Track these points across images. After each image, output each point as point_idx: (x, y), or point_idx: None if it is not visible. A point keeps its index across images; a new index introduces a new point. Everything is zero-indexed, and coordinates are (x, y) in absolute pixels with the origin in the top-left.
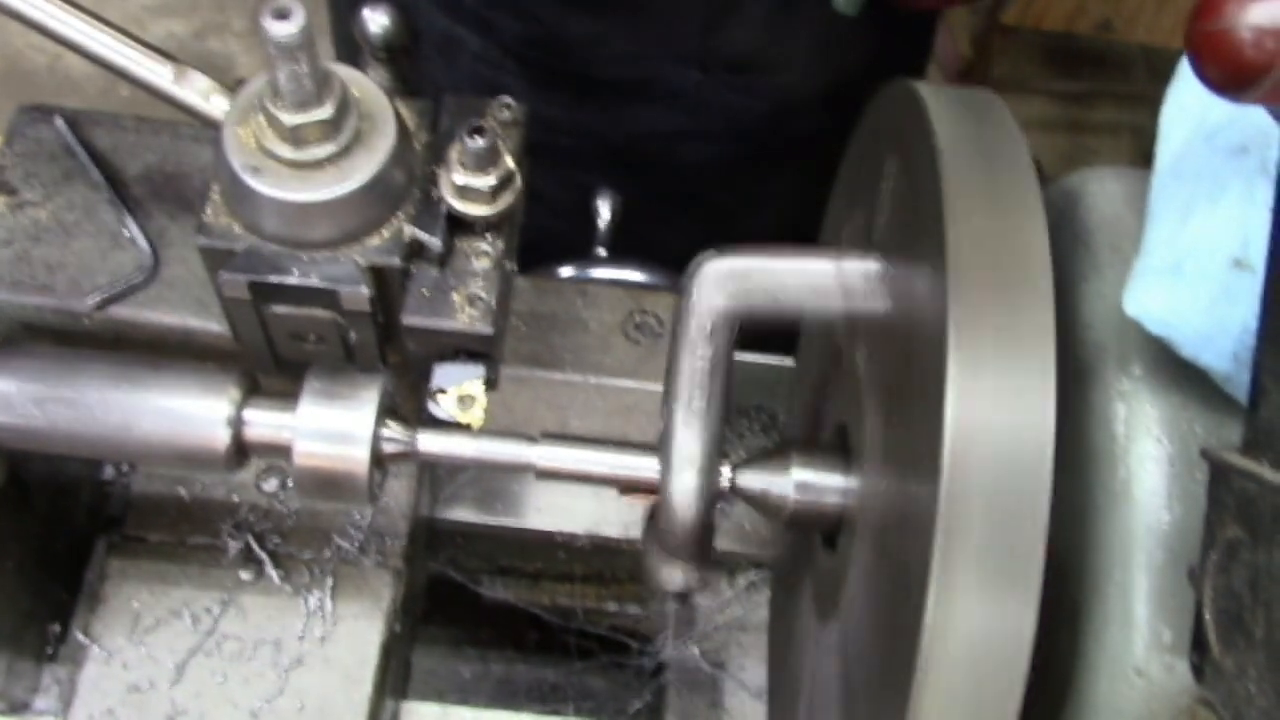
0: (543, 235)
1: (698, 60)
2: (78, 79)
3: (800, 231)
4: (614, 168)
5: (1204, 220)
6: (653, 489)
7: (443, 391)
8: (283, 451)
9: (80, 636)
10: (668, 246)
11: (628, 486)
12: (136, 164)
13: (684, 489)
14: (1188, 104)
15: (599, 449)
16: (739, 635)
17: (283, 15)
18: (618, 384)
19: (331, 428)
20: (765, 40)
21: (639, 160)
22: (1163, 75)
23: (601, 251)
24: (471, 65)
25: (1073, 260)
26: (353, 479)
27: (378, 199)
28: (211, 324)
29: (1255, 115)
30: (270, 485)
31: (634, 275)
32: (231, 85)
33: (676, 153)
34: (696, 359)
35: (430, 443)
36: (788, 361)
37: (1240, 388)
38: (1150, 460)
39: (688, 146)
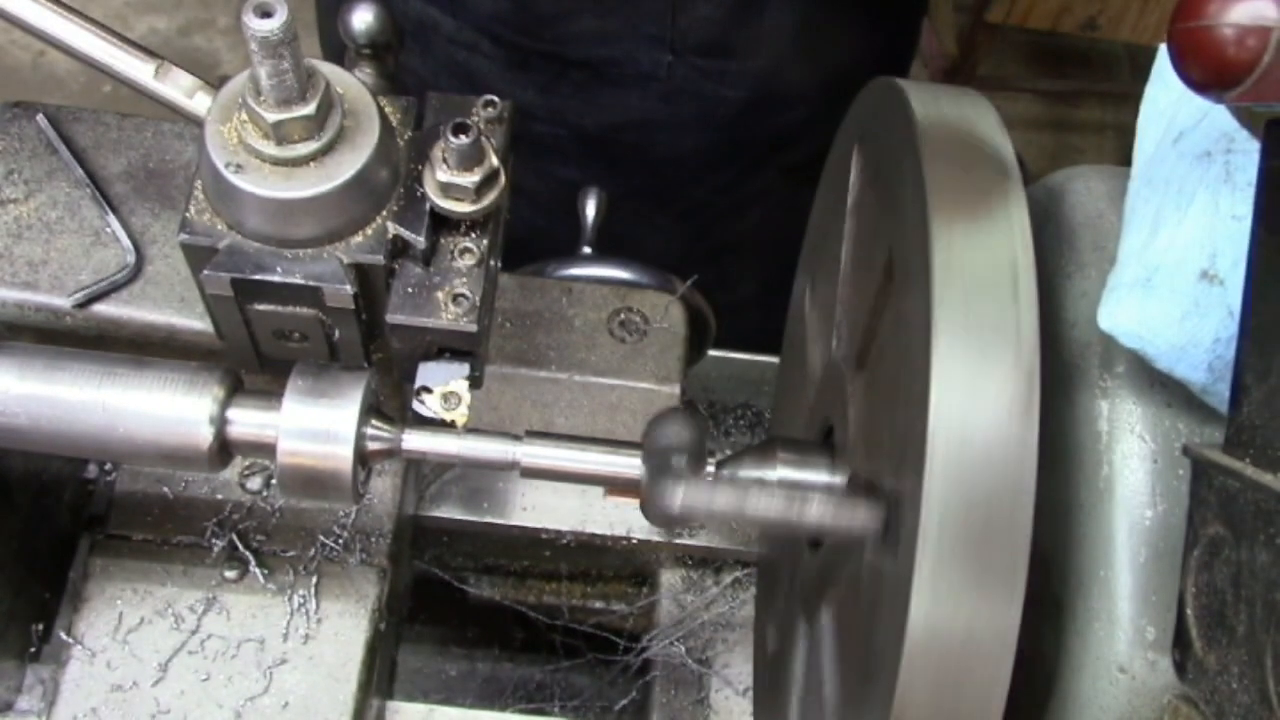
0: (523, 229)
1: (667, 41)
2: (60, 75)
3: (784, 237)
4: (591, 159)
5: (1172, 232)
6: (637, 488)
7: (428, 389)
8: (267, 450)
9: (63, 636)
10: (648, 245)
11: (614, 488)
12: (119, 161)
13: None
14: (1161, 104)
15: (584, 447)
16: (725, 633)
17: (265, 12)
18: (603, 382)
19: (315, 426)
20: (734, 23)
21: (615, 151)
22: (1148, 74)
23: (587, 250)
24: (446, 49)
25: (1056, 258)
26: (337, 477)
27: (361, 196)
28: (195, 322)
29: (1219, 118)
30: (254, 484)
31: (620, 273)
32: (215, 82)
33: (652, 143)
34: None
35: (415, 441)
36: (773, 360)
37: (1216, 398)
38: (1133, 458)
39: (663, 136)
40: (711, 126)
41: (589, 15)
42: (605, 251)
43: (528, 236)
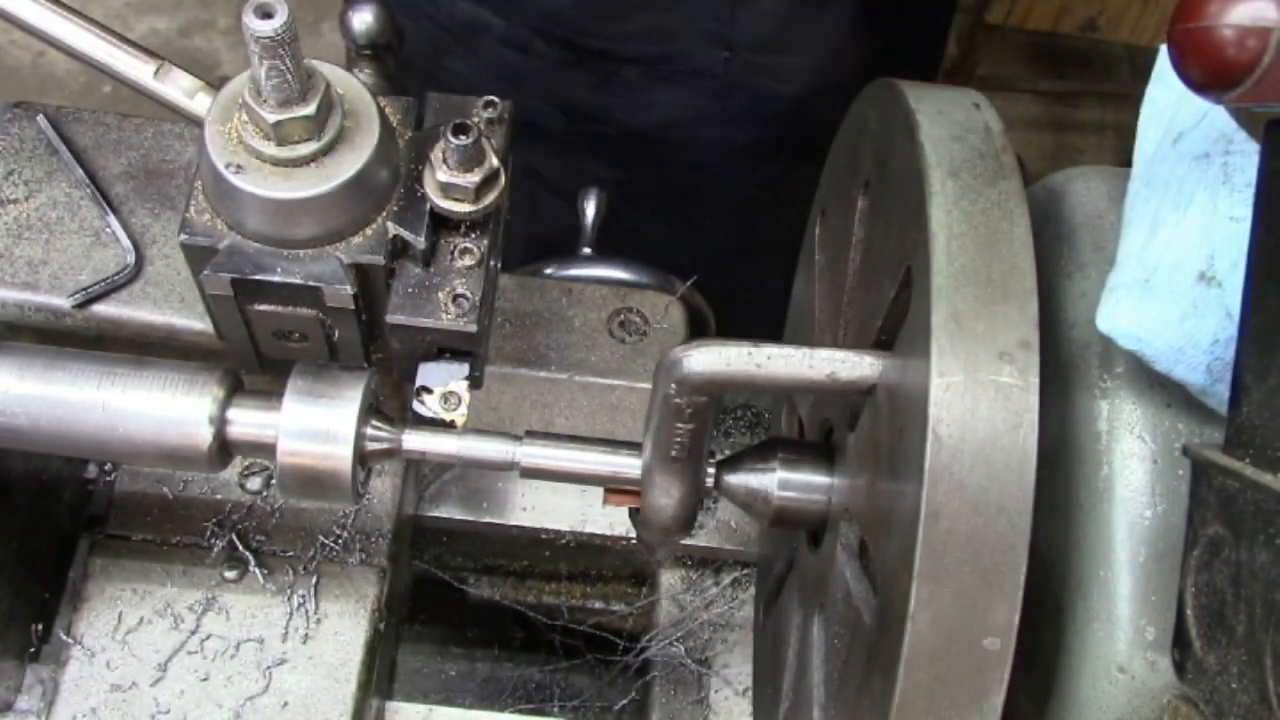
0: (563, 233)
1: (723, 38)
2: (60, 76)
3: None
4: (637, 159)
5: (1171, 233)
6: (635, 489)
7: (427, 389)
8: (267, 450)
9: (63, 636)
10: (687, 243)
11: (612, 491)
12: (119, 161)
13: (663, 508)
14: (1161, 104)
15: (583, 447)
16: (724, 633)
17: (266, 13)
18: (602, 382)
19: (315, 426)
20: (793, 17)
21: (663, 149)
22: (1148, 75)
23: (587, 250)
24: (495, 50)
25: (1056, 259)
26: (336, 477)
27: (361, 197)
28: (195, 322)
29: (1218, 119)
30: (254, 484)
31: (619, 273)
32: (215, 83)
33: (702, 140)
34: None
35: (414, 441)
36: None
37: (1215, 399)
38: (1133, 458)
39: (712, 133)
40: (762, 122)
41: (649, 11)
42: (646, 252)
43: (567, 240)
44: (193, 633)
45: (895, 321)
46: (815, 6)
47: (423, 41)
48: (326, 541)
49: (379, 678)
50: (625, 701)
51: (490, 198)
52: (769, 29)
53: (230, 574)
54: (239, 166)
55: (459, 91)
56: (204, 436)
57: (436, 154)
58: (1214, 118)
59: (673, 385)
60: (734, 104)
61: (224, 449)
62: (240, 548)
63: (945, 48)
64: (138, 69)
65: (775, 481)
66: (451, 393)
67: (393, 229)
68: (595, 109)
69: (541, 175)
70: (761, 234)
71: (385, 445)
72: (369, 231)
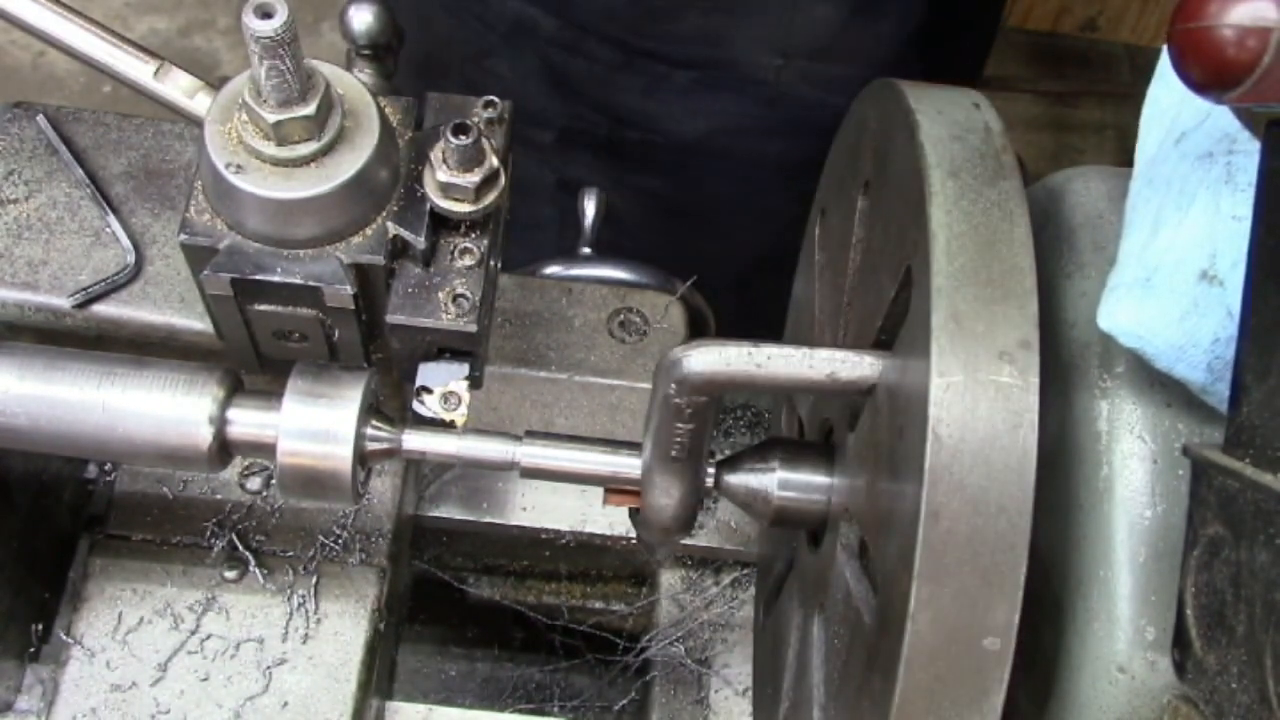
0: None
1: (778, 44)
2: (60, 76)
3: None
4: (680, 167)
5: (1172, 232)
6: (635, 489)
7: (427, 389)
8: (267, 450)
9: (63, 636)
10: (722, 258)
11: (612, 491)
12: (119, 161)
13: (663, 508)
14: (1164, 104)
15: (583, 447)
16: (724, 633)
17: (266, 13)
18: (602, 382)
19: (315, 426)
20: (850, 26)
21: (707, 157)
22: (1147, 75)
23: (586, 250)
24: (543, 51)
25: (1056, 258)
26: (336, 477)
27: (361, 196)
28: (195, 322)
29: (1221, 119)
30: (254, 484)
31: (619, 273)
32: (215, 83)
33: (747, 150)
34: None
35: (414, 441)
36: None
37: (1216, 397)
38: (1133, 458)
39: (758, 144)
40: (809, 135)
41: (705, 11)
42: (675, 260)
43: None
44: (193, 633)
45: (895, 321)
46: (872, 16)
47: (466, 42)
48: (326, 541)
49: (379, 678)
50: (625, 701)
51: (490, 198)
52: (824, 37)
53: (230, 574)
54: (239, 166)
55: (500, 94)
56: (204, 436)
57: (436, 154)
58: (1217, 117)
59: (673, 385)
60: (783, 114)
61: (224, 449)
62: (240, 548)
63: (985, 64)
64: (138, 69)
65: (775, 481)
66: (451, 393)
67: (393, 229)
68: (641, 115)
69: (575, 187)
70: (794, 246)
71: (385, 445)
72: (369, 231)
